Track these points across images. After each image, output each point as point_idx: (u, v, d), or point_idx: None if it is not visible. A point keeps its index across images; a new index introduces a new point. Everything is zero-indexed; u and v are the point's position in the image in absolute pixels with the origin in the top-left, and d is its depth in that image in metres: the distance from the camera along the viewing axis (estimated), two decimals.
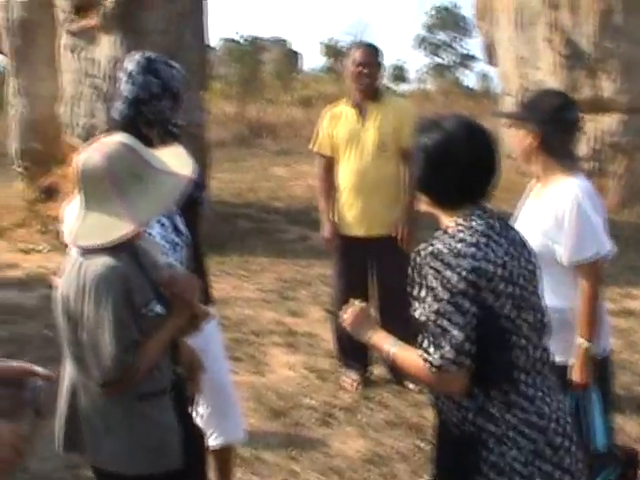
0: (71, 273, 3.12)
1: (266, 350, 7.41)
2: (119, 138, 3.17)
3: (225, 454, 4.55)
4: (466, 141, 2.87)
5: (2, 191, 13.16)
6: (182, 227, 3.84)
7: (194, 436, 3.44)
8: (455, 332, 2.70)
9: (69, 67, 11.37)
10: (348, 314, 3.06)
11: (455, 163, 2.85)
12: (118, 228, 3.04)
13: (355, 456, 5.41)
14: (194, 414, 3.68)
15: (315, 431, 5.78)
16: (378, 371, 6.63)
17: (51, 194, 11.56)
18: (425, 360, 2.75)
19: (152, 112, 3.88)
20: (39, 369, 2.38)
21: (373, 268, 6.52)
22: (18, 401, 2.31)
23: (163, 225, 3.75)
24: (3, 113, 14.20)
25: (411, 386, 6.32)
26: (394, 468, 5.26)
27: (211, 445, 4.31)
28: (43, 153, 12.02)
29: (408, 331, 2.88)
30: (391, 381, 6.51)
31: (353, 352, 6.45)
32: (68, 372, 3.28)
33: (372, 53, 6.54)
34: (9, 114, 13.14)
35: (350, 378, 6.54)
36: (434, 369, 2.73)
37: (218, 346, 4.45)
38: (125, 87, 3.91)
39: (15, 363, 2.41)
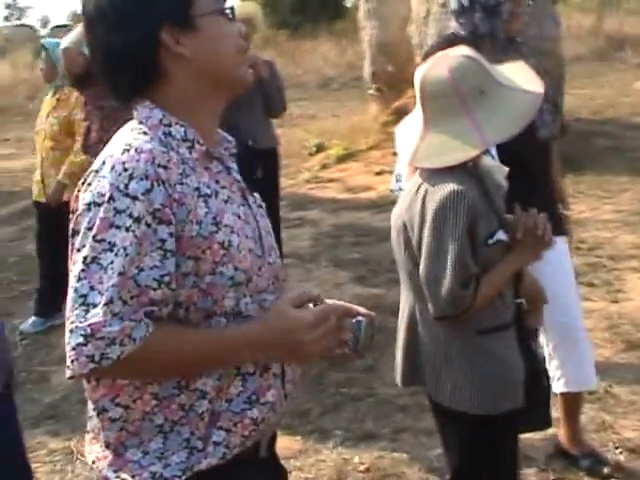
0: (409, 198, 2.95)
1: (623, 276, 6.97)
2: (463, 51, 2.92)
3: (572, 397, 4.24)
4: None
5: (358, 114, 13.45)
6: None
7: (537, 373, 3.18)
8: None
9: None
10: None
11: None
12: (462, 149, 2.81)
13: None
14: (537, 350, 3.46)
15: None
16: None
17: (402, 116, 11.60)
18: None
19: (467, 25, 3.80)
20: (360, 309, 2.27)
21: None
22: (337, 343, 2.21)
23: None
24: (358, 37, 14.47)
25: None
26: None
27: (557, 389, 4.07)
28: (395, 75, 12.11)
29: None
30: None
31: None
32: (405, 302, 3.13)
33: None
34: (364, 38, 13.32)
35: None
36: None
37: (566, 276, 4.15)
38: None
39: (337, 303, 2.30)
